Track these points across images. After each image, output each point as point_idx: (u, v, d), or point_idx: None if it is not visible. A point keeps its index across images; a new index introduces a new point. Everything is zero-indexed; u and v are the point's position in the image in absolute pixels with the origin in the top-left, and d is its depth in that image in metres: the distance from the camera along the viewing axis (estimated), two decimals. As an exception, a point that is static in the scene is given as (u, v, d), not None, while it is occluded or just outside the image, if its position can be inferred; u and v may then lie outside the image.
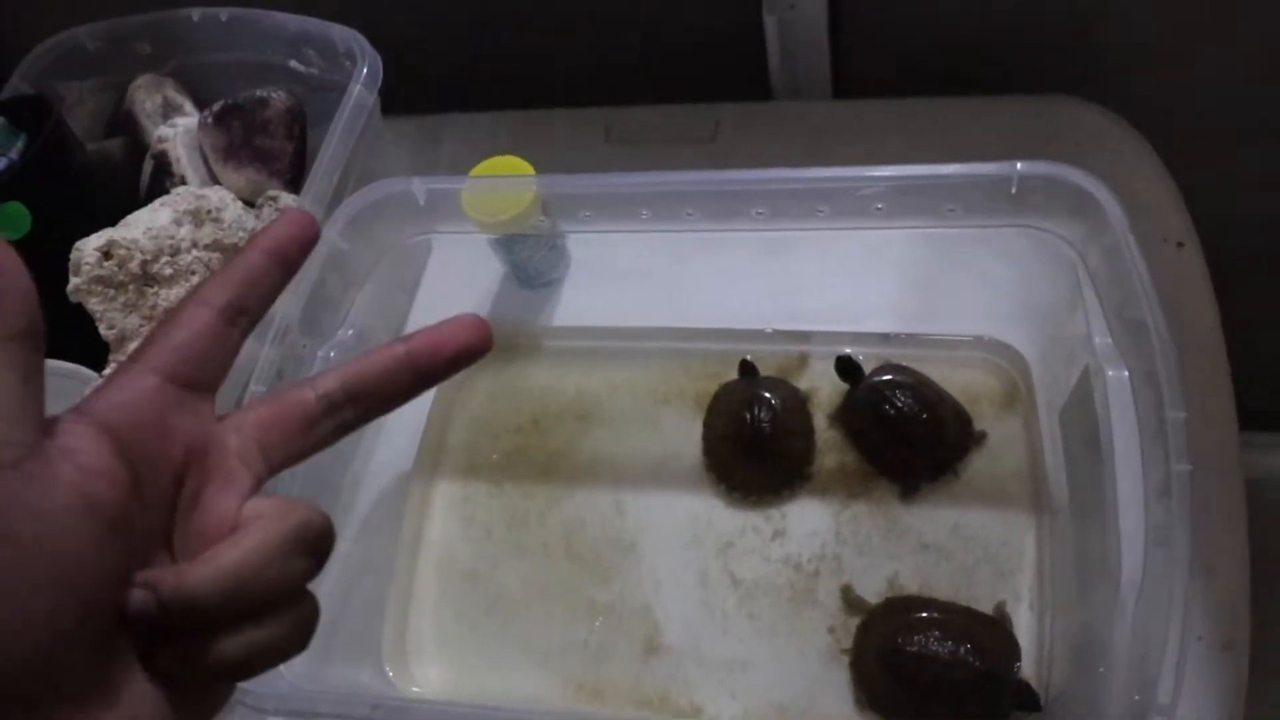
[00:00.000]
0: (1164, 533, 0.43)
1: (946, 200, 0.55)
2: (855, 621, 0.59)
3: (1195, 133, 0.80)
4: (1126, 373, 0.49)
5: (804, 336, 0.68)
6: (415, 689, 0.61)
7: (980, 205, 0.55)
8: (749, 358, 0.67)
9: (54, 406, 0.65)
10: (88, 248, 0.55)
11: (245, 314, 0.29)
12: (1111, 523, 0.46)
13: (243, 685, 0.50)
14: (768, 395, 0.64)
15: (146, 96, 0.76)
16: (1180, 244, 0.67)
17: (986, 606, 0.57)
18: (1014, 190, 0.53)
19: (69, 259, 0.56)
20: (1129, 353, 0.49)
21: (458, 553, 0.67)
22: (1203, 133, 0.81)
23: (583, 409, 0.70)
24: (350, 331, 0.63)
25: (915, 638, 0.55)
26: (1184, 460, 0.43)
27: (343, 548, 0.67)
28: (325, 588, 0.65)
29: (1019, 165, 0.53)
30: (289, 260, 0.31)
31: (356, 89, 0.66)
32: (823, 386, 0.67)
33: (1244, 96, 0.79)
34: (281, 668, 0.53)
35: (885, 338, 0.66)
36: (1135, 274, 0.48)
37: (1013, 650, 0.55)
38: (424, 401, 0.71)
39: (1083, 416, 0.52)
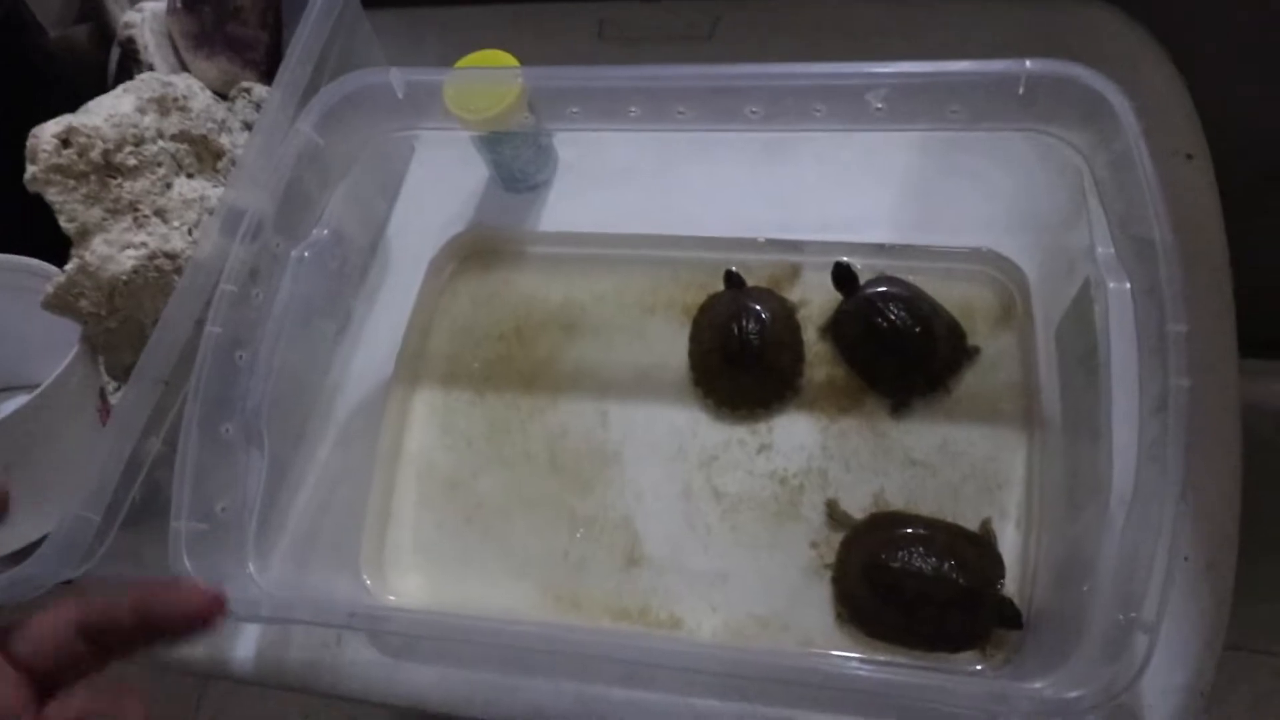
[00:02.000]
0: (1158, 449, 0.41)
1: (950, 101, 0.52)
2: (839, 537, 0.58)
3: (1216, 46, 0.77)
4: (1128, 285, 0.47)
5: (797, 246, 0.66)
6: (392, 597, 0.61)
7: (985, 107, 0.52)
8: (734, 269, 0.65)
9: (14, 302, 0.63)
10: (45, 134, 0.52)
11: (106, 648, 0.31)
12: (1105, 438, 0.45)
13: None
14: (756, 307, 0.62)
15: (112, -21, 0.72)
16: (1190, 155, 0.64)
17: (973, 524, 0.56)
18: (1021, 91, 0.50)
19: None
20: (1132, 265, 0.47)
21: (437, 461, 0.66)
22: (1224, 47, 0.77)
23: (568, 317, 0.68)
24: (325, 232, 0.60)
25: (898, 553, 0.54)
26: (1183, 375, 0.42)
27: (321, 455, 0.66)
28: (303, 495, 0.65)
29: (1028, 63, 0.50)
30: (157, 630, 0.32)
31: (331, -28, 0.62)
32: (814, 298, 0.65)
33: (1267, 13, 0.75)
34: (255, 573, 0.53)
35: (880, 248, 0.64)
36: (1144, 183, 0.46)
37: (996, 567, 0.54)
38: (404, 308, 0.70)
39: (1081, 330, 0.51)
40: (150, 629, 0.32)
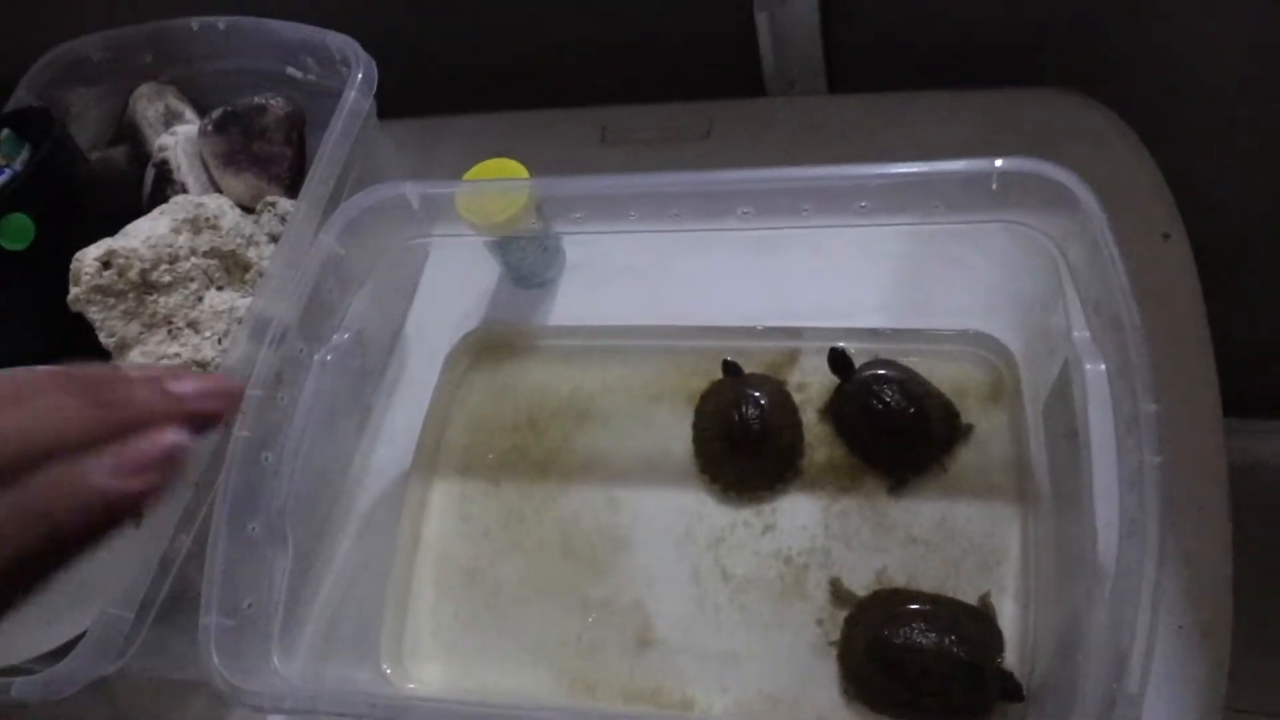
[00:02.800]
0: (1135, 524, 0.43)
1: (929, 197, 0.55)
2: (843, 614, 0.60)
3: (1185, 124, 0.81)
4: (1103, 366, 0.49)
5: (794, 333, 0.69)
6: (412, 686, 0.63)
7: (962, 201, 0.55)
8: (730, 358, 0.68)
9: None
10: (87, 258, 0.56)
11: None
12: (1089, 514, 0.47)
13: (240, 685, 0.51)
14: (754, 393, 0.65)
15: (148, 105, 0.78)
16: (1166, 235, 0.67)
17: (972, 598, 0.58)
18: (994, 186, 0.54)
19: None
20: (1106, 346, 0.50)
21: (455, 551, 0.68)
22: (1192, 124, 0.81)
23: (578, 407, 0.71)
24: (346, 335, 0.64)
25: (901, 629, 0.56)
26: (1155, 451, 0.44)
27: (343, 548, 0.69)
28: (325, 587, 0.67)
29: (998, 162, 0.53)
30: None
31: (351, 94, 0.67)
32: (813, 381, 0.68)
33: (1233, 87, 0.79)
34: (280, 666, 0.55)
35: (874, 333, 0.67)
36: (1112, 268, 0.49)
37: (996, 641, 0.56)
38: (421, 402, 0.73)
39: (1064, 409, 0.53)
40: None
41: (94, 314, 0.56)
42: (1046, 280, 0.56)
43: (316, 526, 0.68)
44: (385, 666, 0.62)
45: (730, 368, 0.68)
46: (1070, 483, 0.51)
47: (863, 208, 0.57)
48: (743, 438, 0.64)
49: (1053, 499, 0.56)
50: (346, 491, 0.71)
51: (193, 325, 0.59)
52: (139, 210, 0.75)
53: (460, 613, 0.65)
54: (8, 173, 0.68)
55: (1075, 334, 0.52)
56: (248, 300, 0.63)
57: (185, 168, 0.73)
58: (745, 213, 0.59)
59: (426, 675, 0.63)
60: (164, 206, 0.62)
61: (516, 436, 0.71)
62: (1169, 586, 0.56)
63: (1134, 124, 0.74)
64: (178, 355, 0.58)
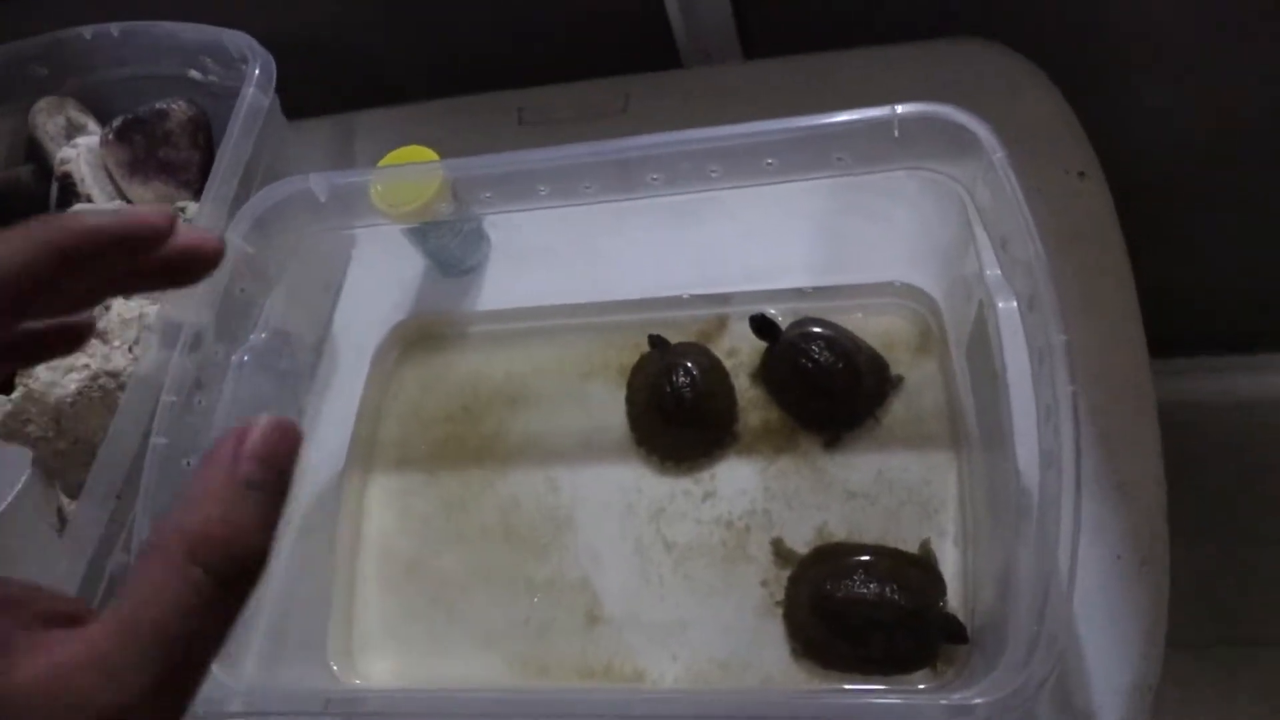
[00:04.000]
0: (1051, 455, 0.43)
1: (833, 149, 0.55)
2: (787, 574, 0.59)
3: (1102, 71, 0.81)
4: (1015, 302, 0.49)
5: (721, 299, 0.69)
6: (367, 682, 0.62)
7: (867, 151, 0.55)
8: (656, 331, 0.67)
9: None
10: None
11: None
12: (1010, 451, 0.47)
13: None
14: (684, 362, 0.65)
15: (48, 119, 0.76)
16: (1082, 173, 0.67)
17: (913, 547, 0.58)
18: (896, 133, 0.53)
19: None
20: (1016, 282, 0.50)
21: (397, 545, 0.67)
22: (1109, 71, 0.82)
23: (511, 392, 0.71)
24: (264, 335, 0.63)
25: (843, 583, 0.56)
26: (1068, 381, 0.44)
27: (283, 551, 0.67)
28: (269, 590, 0.66)
29: (898, 108, 0.53)
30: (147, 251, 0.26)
31: (250, 91, 0.66)
32: (743, 347, 0.67)
33: (1152, 33, 0.80)
34: (227, 675, 0.54)
35: (800, 292, 0.67)
36: (1015, 204, 0.49)
37: (938, 586, 0.56)
38: (352, 398, 0.72)
39: (983, 351, 0.53)
40: (143, 255, 0.26)
41: None
42: (958, 224, 0.56)
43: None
44: (334, 665, 0.61)
45: (656, 341, 0.68)
46: (994, 423, 0.52)
47: (770, 165, 0.57)
48: (675, 407, 0.64)
49: (981, 441, 0.56)
50: (282, 495, 0.69)
51: (100, 335, 0.57)
52: (47, 226, 0.73)
53: (406, 606, 0.65)
54: (-98, 196, 0.65)
55: (988, 273, 0.52)
56: (156, 306, 0.62)
57: (90, 179, 0.71)
58: (654, 179, 0.59)
59: (377, 671, 0.63)
60: (63, 217, 0.60)
61: (451, 426, 0.71)
62: (1107, 518, 0.57)
63: (1053, 73, 0.74)
64: (86, 366, 0.56)
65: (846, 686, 0.54)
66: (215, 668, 0.53)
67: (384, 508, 0.68)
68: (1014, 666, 0.43)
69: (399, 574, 0.66)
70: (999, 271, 0.51)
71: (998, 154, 0.50)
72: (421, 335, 0.75)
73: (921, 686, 0.53)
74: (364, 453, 0.70)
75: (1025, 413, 0.47)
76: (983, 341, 0.53)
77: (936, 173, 0.55)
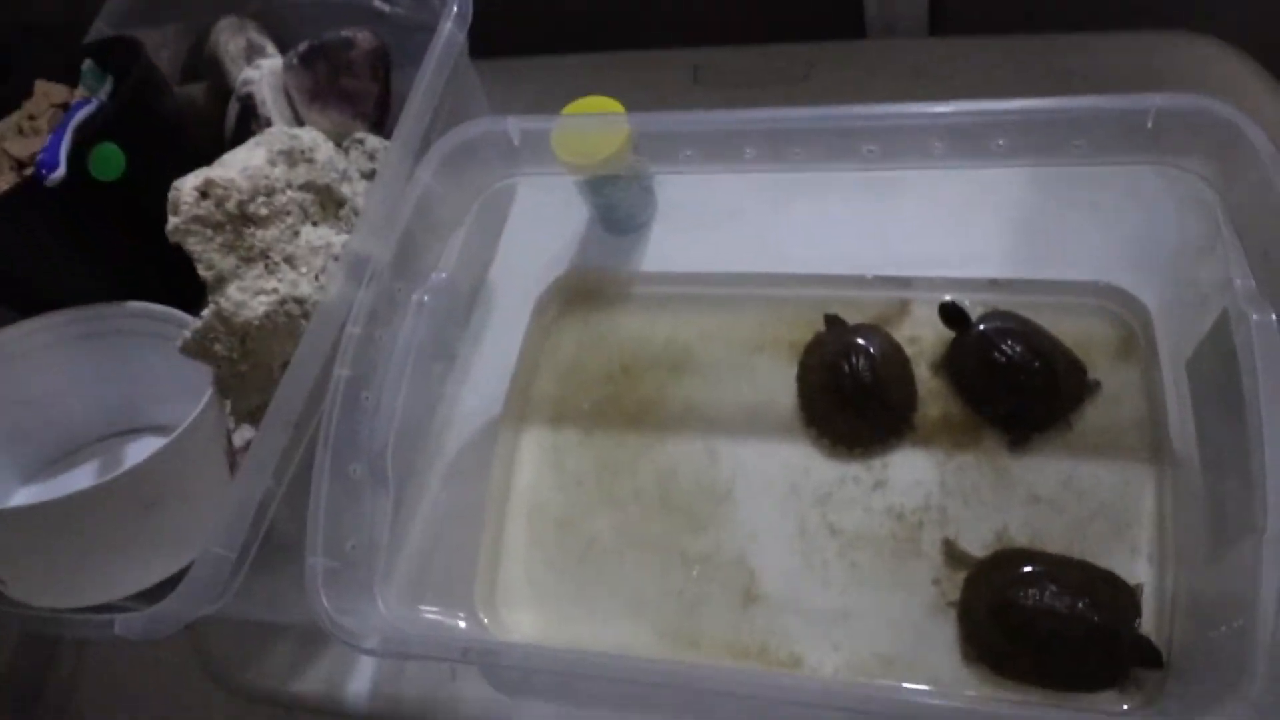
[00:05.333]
0: (1321, 483, 0.40)
1: (1074, 136, 0.52)
2: (961, 574, 0.57)
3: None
4: (1274, 316, 0.46)
5: (905, 283, 0.66)
6: (507, 634, 0.61)
7: (1110, 142, 0.51)
8: (834, 310, 0.65)
9: (148, 351, 0.66)
10: (185, 186, 0.54)
11: None
12: (1258, 474, 0.44)
13: (347, 626, 0.50)
14: (863, 343, 0.62)
15: (230, 39, 0.75)
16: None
17: (1102, 561, 0.55)
18: (1150, 125, 0.50)
19: (166, 199, 0.56)
20: (1276, 294, 0.46)
21: (548, 500, 0.66)
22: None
23: (674, 357, 0.69)
24: (443, 275, 0.62)
25: (1029, 591, 0.53)
26: (1344, 406, 0.41)
27: (431, 494, 0.67)
28: (415, 533, 0.65)
29: (1157, 98, 0.49)
30: None
31: (447, 27, 0.64)
32: (925, 334, 0.64)
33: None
34: (384, 608, 0.53)
35: (992, 283, 0.64)
36: (1287, 211, 0.45)
37: (1132, 606, 0.53)
38: (510, 349, 0.71)
39: (1219, 364, 0.50)
40: None
41: (193, 245, 0.54)
42: (1198, 227, 0.53)
43: (406, 471, 0.66)
44: (481, 614, 0.61)
45: (832, 320, 0.65)
46: (1227, 442, 0.48)
47: (999, 146, 0.54)
48: (853, 389, 0.61)
49: (1200, 460, 0.53)
50: (434, 437, 0.69)
51: (289, 261, 0.57)
52: (221, 146, 0.73)
53: (554, 563, 0.64)
54: (94, 103, 0.66)
55: (1238, 283, 0.48)
56: (343, 237, 0.61)
57: (270, 102, 0.71)
58: (870, 151, 0.56)
59: (521, 625, 0.62)
60: (259, 137, 0.60)
61: (610, 386, 0.69)
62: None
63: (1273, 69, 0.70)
64: (275, 290, 0.56)
65: (1040, 704, 0.52)
66: (354, 603, 0.52)
67: (537, 462, 0.67)
68: (1252, 703, 0.40)
69: (548, 530, 0.65)
70: (1252, 282, 0.48)
71: (1273, 156, 0.46)
72: (583, 290, 0.73)
73: (1125, 707, 0.50)
74: (518, 405, 0.69)
75: (1274, 434, 0.44)
76: (1221, 355, 0.49)
77: (1183, 169, 0.51)
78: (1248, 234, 0.48)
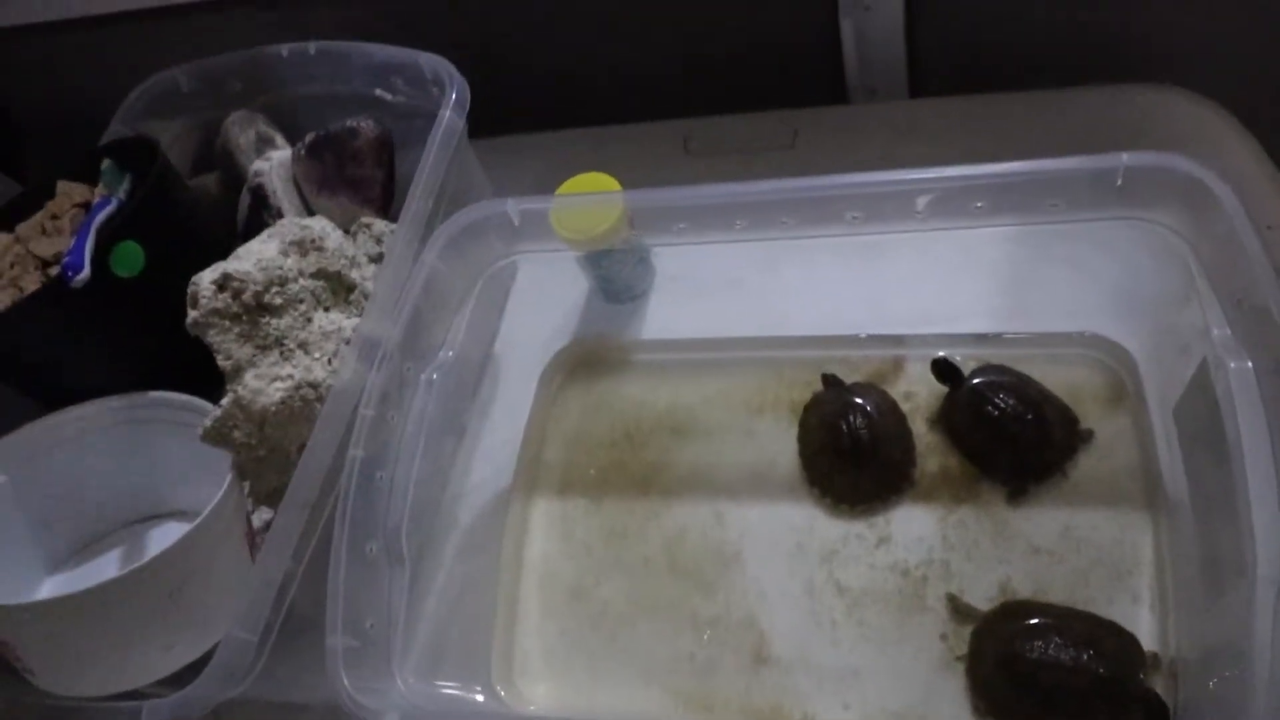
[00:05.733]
0: (1305, 526, 0.41)
1: (1049, 195, 0.54)
2: (968, 628, 0.58)
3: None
4: (1250, 363, 0.47)
5: (898, 340, 0.68)
6: (524, 706, 0.62)
7: (1084, 199, 0.54)
8: (831, 370, 0.67)
9: (169, 439, 0.67)
10: (204, 281, 0.57)
11: None
12: (1245, 519, 0.45)
13: (360, 700, 0.51)
14: (860, 402, 0.64)
15: (240, 132, 0.79)
16: (1269, 227, 0.65)
17: (1105, 609, 0.56)
18: (1119, 183, 0.52)
19: (185, 293, 0.58)
20: (1251, 342, 0.48)
21: (559, 569, 0.67)
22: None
23: (676, 422, 0.71)
24: (450, 353, 0.64)
25: (1034, 643, 0.54)
26: (1322, 451, 0.42)
27: (445, 567, 0.68)
28: (430, 606, 0.66)
29: (1125, 157, 0.52)
30: None
31: (447, 114, 0.67)
32: (920, 390, 0.66)
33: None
34: (403, 686, 0.54)
35: (981, 338, 0.66)
36: (1255, 260, 0.47)
37: (1137, 656, 0.53)
38: (519, 419, 0.72)
39: (1202, 411, 0.51)
40: None
41: (212, 337, 0.56)
42: (1174, 278, 0.55)
43: (420, 545, 0.68)
44: (497, 686, 0.62)
45: (831, 380, 0.67)
46: (1215, 488, 0.49)
47: (979, 208, 0.56)
48: (852, 448, 0.63)
49: (1191, 505, 0.54)
50: (446, 510, 0.71)
51: (303, 347, 0.59)
52: (233, 235, 0.76)
53: (567, 631, 0.65)
54: (114, 202, 0.69)
55: (1215, 331, 0.50)
56: (353, 320, 0.63)
57: (280, 192, 0.74)
58: (854, 217, 0.58)
59: (538, 695, 0.63)
60: (271, 229, 0.63)
61: (615, 452, 0.71)
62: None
63: (1241, 118, 0.72)
64: (290, 376, 0.58)
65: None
66: (374, 681, 0.54)
67: (547, 531, 0.69)
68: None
69: (561, 599, 0.66)
70: (1228, 330, 0.49)
71: (1237, 209, 0.48)
72: (585, 360, 0.75)
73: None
74: (528, 474, 0.71)
75: (1263, 479, 0.45)
76: (1205, 401, 0.51)
77: (1155, 224, 0.53)
78: (1221, 284, 0.50)
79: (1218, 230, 0.50)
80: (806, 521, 0.64)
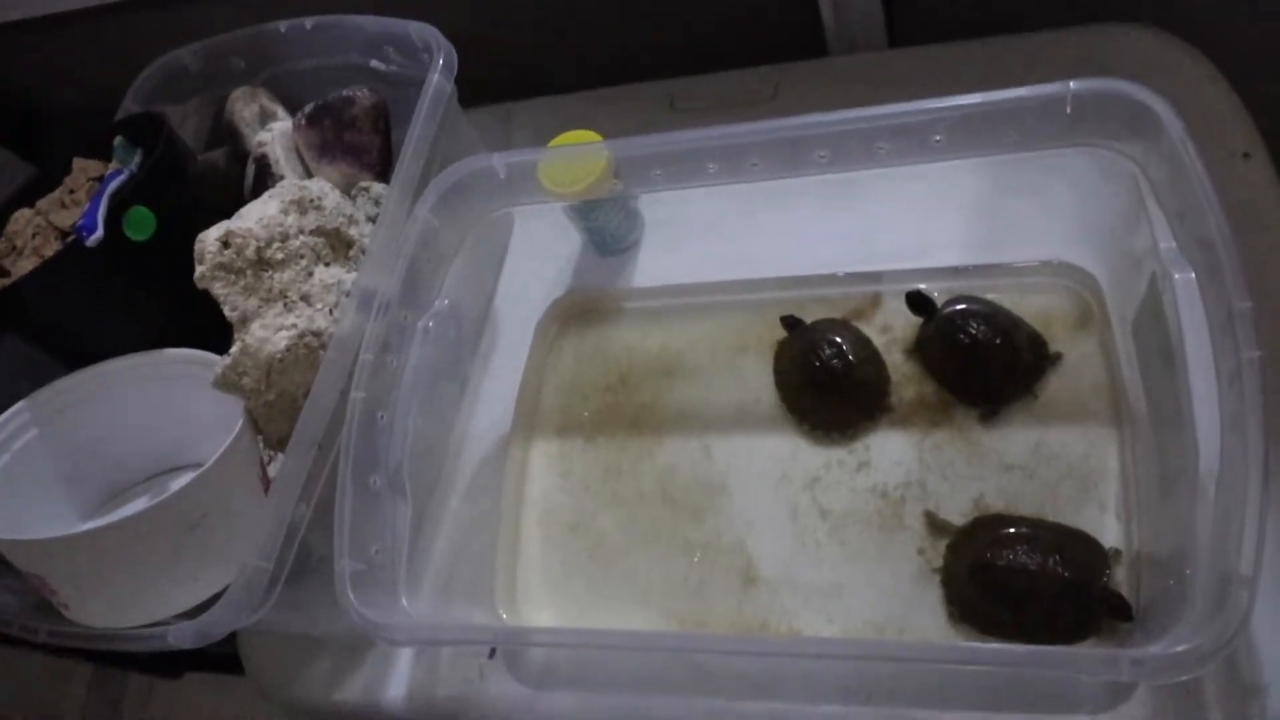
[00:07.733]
0: (1237, 419, 0.44)
1: (1003, 127, 0.56)
2: (944, 542, 0.61)
3: (1257, 47, 0.80)
4: (1192, 273, 0.50)
5: (875, 277, 0.71)
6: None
7: (1037, 129, 0.56)
8: (788, 314, 0.70)
9: (190, 393, 0.71)
10: (209, 238, 0.61)
11: None
12: (1188, 419, 0.48)
13: (363, 613, 0.55)
14: (828, 335, 0.67)
15: (244, 107, 0.82)
16: (1246, 154, 0.67)
17: (1073, 520, 0.59)
18: (1069, 110, 0.54)
19: (193, 252, 0.62)
20: (1194, 255, 0.50)
21: (558, 505, 0.71)
22: (1267, 48, 0.80)
23: (666, 364, 0.74)
24: (445, 301, 0.67)
25: (1005, 552, 0.57)
26: (1253, 348, 0.44)
27: (452, 506, 0.72)
28: (439, 542, 0.70)
29: (1072, 84, 0.54)
30: None
31: (434, 78, 0.71)
32: (897, 323, 0.69)
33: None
34: (408, 605, 0.58)
35: (955, 270, 0.68)
36: (1194, 177, 0.49)
37: (1101, 561, 0.56)
38: (515, 368, 0.76)
39: (1154, 323, 0.53)
40: None
41: (218, 290, 0.60)
42: (1128, 200, 0.57)
43: (427, 486, 0.72)
44: (501, 612, 0.65)
45: (791, 322, 0.69)
46: (1168, 396, 0.52)
47: (938, 142, 0.58)
48: (827, 378, 0.66)
49: (1150, 416, 0.56)
50: (451, 454, 0.74)
51: (305, 298, 0.63)
52: (242, 203, 0.80)
53: (568, 562, 0.68)
54: (126, 173, 0.72)
55: (1162, 246, 0.52)
56: (353, 275, 0.67)
57: (283, 160, 0.77)
58: (822, 157, 0.61)
59: (540, 620, 0.66)
60: (271, 190, 0.66)
61: (609, 396, 0.74)
62: None
63: (1210, 55, 0.74)
64: (294, 325, 0.62)
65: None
66: (381, 602, 0.58)
67: (546, 471, 0.72)
68: (1196, 624, 0.43)
69: (561, 532, 0.70)
70: (1174, 245, 0.52)
71: (1177, 128, 0.50)
72: (579, 310, 0.79)
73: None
74: (527, 420, 0.74)
75: (1205, 384, 0.48)
76: (1155, 315, 0.53)
77: (1107, 149, 0.56)
78: (1166, 201, 0.53)
79: (1162, 150, 0.52)
80: (790, 451, 0.67)
